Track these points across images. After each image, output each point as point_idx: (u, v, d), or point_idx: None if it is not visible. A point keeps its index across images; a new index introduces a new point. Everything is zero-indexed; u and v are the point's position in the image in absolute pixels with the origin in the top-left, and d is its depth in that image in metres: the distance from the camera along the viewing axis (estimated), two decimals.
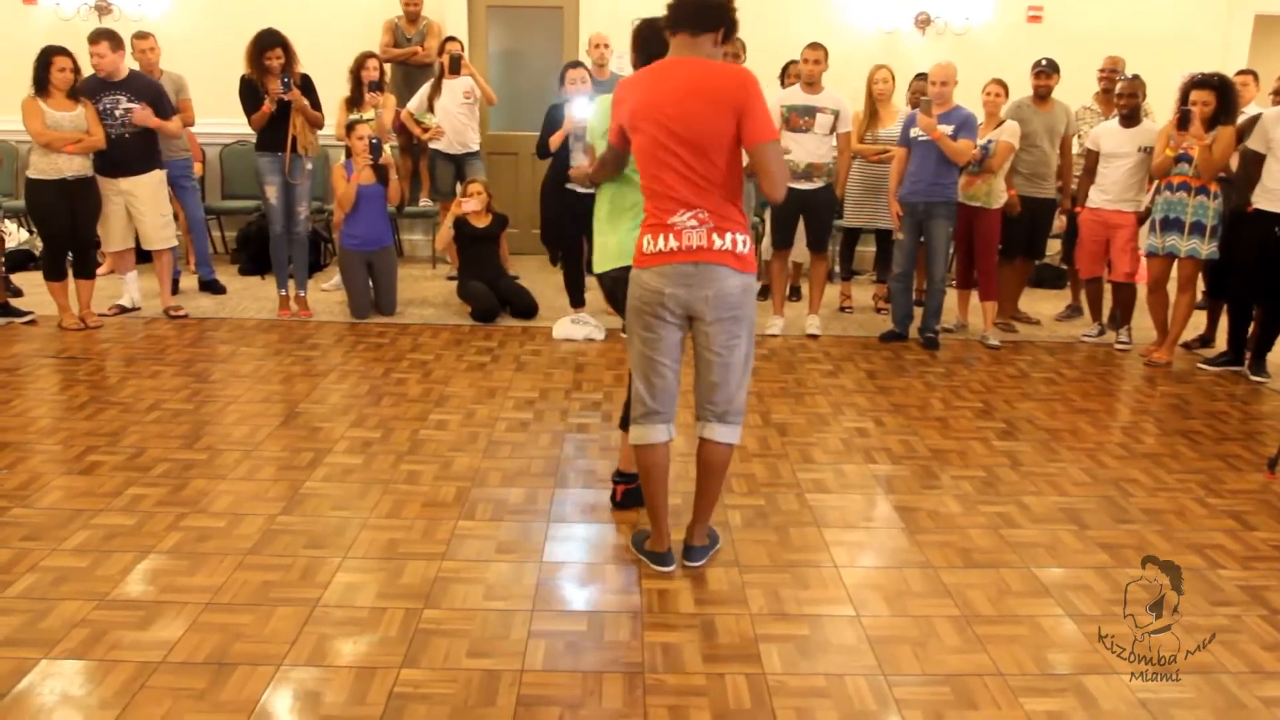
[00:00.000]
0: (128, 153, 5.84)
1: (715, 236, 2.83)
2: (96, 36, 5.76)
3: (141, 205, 5.95)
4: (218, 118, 7.24)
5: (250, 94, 5.77)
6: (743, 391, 3.03)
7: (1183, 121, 5.28)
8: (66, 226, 5.68)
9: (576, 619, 2.84)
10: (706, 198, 2.82)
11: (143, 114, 5.80)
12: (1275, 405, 5.06)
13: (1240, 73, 6.62)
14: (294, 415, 4.44)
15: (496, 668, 2.57)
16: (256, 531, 3.29)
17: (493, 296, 6.23)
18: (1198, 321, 6.11)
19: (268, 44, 5.68)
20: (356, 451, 4.03)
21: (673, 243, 2.82)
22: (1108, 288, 6.16)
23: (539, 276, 7.16)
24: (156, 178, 6.03)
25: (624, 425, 3.63)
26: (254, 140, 6.00)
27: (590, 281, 6.19)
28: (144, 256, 6.34)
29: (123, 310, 6.17)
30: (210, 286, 6.79)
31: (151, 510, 3.43)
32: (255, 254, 7.28)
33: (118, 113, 5.77)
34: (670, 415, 3.05)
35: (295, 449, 4.04)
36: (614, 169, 3.16)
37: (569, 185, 5.67)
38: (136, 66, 6.28)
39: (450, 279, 7.16)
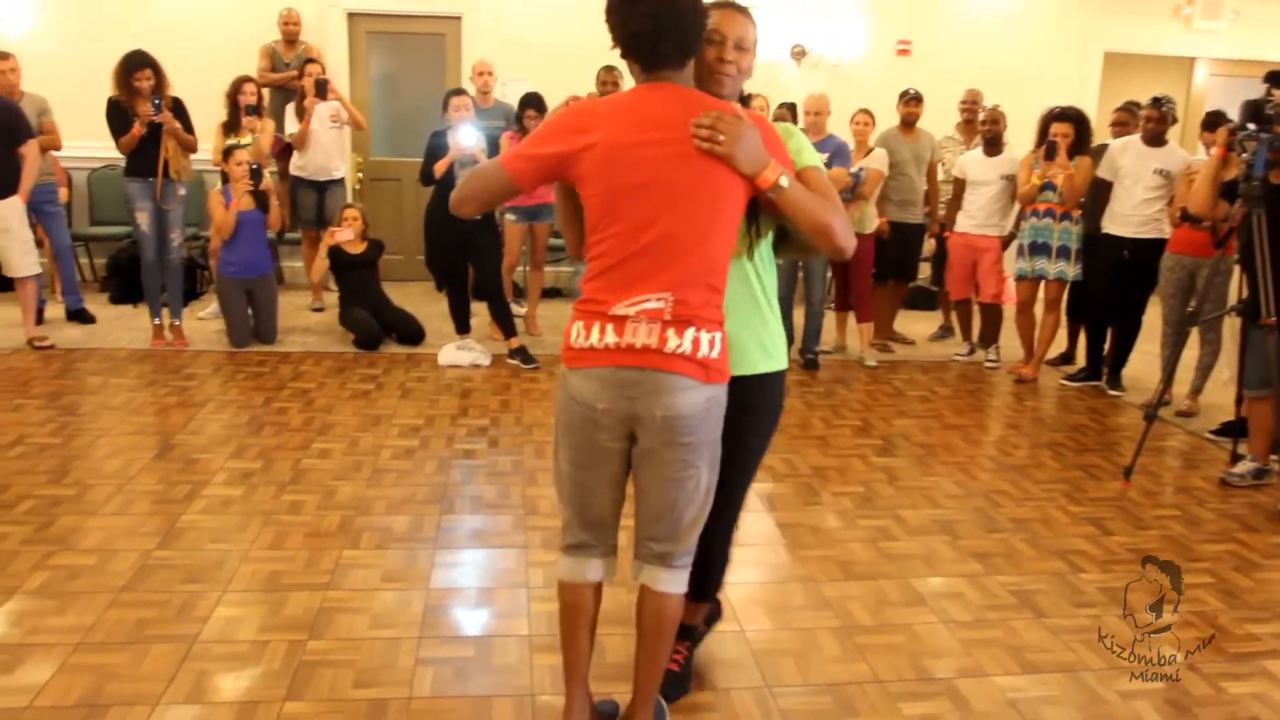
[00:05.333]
0: None
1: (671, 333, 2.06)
2: None
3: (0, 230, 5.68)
4: (86, 140, 6.98)
5: (118, 116, 5.59)
6: (696, 531, 2.28)
7: (1049, 152, 5.58)
8: None
9: (464, 644, 2.83)
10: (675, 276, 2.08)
11: None
12: (1130, 417, 5.37)
13: None
14: (170, 447, 4.30)
15: (383, 696, 2.54)
16: (130, 568, 3.18)
17: (375, 323, 6.15)
18: (1059, 340, 6.44)
19: (136, 65, 5.52)
20: (236, 483, 3.93)
21: (611, 337, 2.08)
22: (976, 308, 6.45)
23: (424, 302, 7.10)
24: (16, 201, 5.74)
25: None
26: (124, 164, 5.81)
27: (476, 307, 6.21)
28: (1, 284, 6.03)
29: None
30: (78, 316, 6.52)
31: (15, 549, 3.27)
32: (126, 282, 7.02)
33: None
34: (610, 547, 2.35)
35: (171, 482, 3.91)
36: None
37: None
38: None
39: (315, 310, 7.05)
